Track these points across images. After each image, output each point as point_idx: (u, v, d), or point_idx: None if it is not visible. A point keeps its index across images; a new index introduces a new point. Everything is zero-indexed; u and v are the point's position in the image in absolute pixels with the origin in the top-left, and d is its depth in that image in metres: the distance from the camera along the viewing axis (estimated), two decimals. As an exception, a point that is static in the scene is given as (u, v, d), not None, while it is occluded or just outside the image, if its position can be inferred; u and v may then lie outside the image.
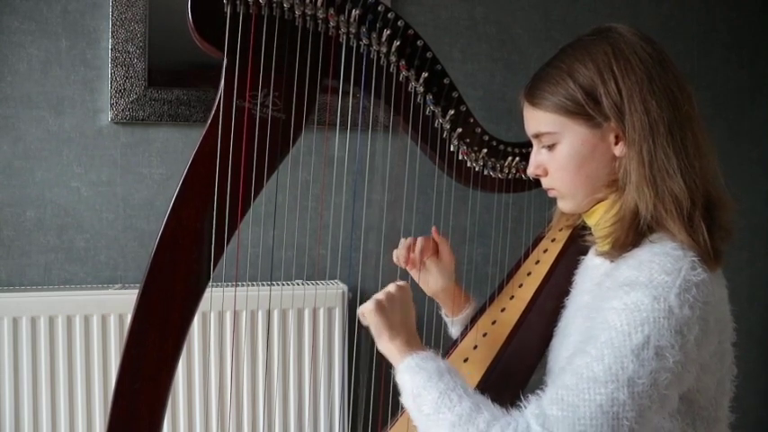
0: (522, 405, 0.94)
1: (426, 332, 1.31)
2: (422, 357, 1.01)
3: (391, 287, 1.09)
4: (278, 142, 1.02)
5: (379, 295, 1.07)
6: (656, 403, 0.90)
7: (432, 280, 1.31)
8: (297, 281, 2.00)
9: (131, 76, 1.90)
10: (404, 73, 1.11)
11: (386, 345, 1.05)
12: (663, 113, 0.99)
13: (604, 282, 1.02)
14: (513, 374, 1.12)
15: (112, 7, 1.88)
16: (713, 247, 0.98)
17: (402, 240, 1.28)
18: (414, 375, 0.99)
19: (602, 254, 1.06)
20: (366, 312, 1.06)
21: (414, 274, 1.30)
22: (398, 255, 1.27)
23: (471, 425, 0.91)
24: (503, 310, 1.25)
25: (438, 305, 1.38)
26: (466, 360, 1.19)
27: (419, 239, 1.28)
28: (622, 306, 0.93)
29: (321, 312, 1.90)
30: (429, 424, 0.95)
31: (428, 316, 1.32)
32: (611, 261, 1.04)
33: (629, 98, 1.00)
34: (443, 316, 1.38)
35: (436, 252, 1.30)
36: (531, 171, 1.12)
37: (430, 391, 0.96)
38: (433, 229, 1.29)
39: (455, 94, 1.16)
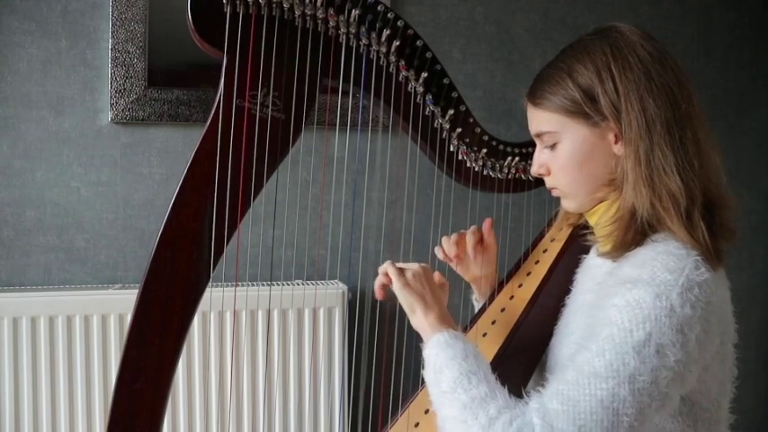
0: (525, 400, 0.94)
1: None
2: (452, 336, 1.01)
3: (416, 266, 1.09)
4: (278, 142, 1.02)
5: (408, 273, 1.07)
6: (657, 401, 0.90)
7: (475, 267, 1.31)
8: (297, 281, 2.00)
9: (131, 76, 1.90)
10: (403, 73, 1.11)
11: (420, 320, 1.05)
12: (660, 112, 0.99)
13: (607, 280, 1.02)
14: (513, 374, 1.12)
15: (112, 7, 1.88)
16: (714, 245, 0.98)
17: (446, 239, 1.28)
18: (440, 351, 1.00)
19: (603, 254, 1.06)
20: (398, 289, 1.07)
21: (454, 264, 1.30)
22: (449, 252, 1.27)
23: (482, 409, 0.92)
24: (503, 309, 1.25)
25: (468, 291, 1.37)
26: (466, 360, 1.19)
27: (469, 234, 1.27)
28: (624, 303, 0.93)
29: (321, 312, 1.90)
30: (443, 401, 0.96)
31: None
32: (614, 261, 1.04)
33: (625, 97, 1.00)
34: (474, 301, 1.38)
35: (481, 241, 1.30)
36: (535, 170, 1.13)
37: (452, 369, 0.97)
38: (489, 222, 1.29)
39: (454, 94, 1.15)
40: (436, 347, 1.00)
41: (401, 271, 1.08)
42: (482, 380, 0.95)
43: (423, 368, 1.02)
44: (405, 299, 1.07)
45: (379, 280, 1.11)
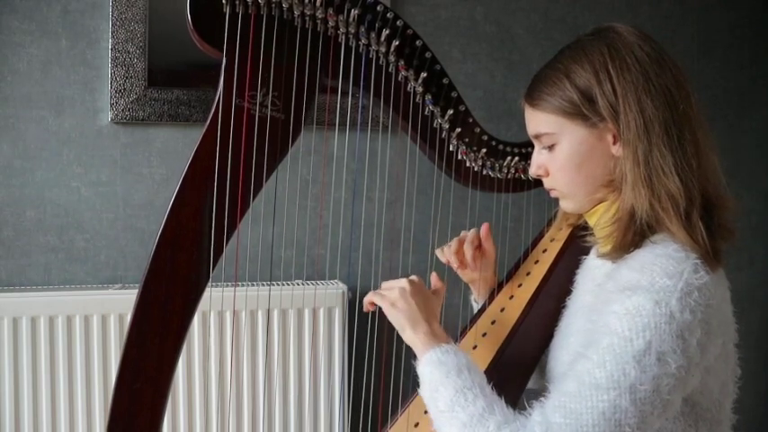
0: (527, 412, 0.94)
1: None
2: (443, 351, 1.00)
3: (402, 282, 1.07)
4: (277, 142, 1.02)
5: (393, 294, 1.06)
6: (659, 409, 0.91)
7: (474, 271, 1.30)
8: (297, 281, 2.00)
9: (131, 76, 1.90)
10: (403, 73, 1.11)
11: (410, 337, 1.04)
12: (658, 113, 0.99)
13: (606, 283, 1.02)
14: (513, 374, 1.12)
15: (112, 7, 1.89)
16: (712, 246, 0.97)
17: (447, 248, 1.27)
18: (433, 369, 0.99)
19: (603, 255, 1.06)
20: (385, 312, 1.06)
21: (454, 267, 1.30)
22: (450, 260, 1.27)
23: (482, 426, 0.92)
24: (502, 309, 1.25)
25: (468, 291, 1.38)
26: (465, 360, 1.19)
27: (467, 243, 1.27)
28: (624, 311, 0.93)
29: (321, 312, 1.90)
30: (443, 420, 0.96)
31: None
32: (613, 262, 1.04)
33: (623, 98, 1.00)
34: (473, 301, 1.38)
35: (479, 246, 1.29)
36: (533, 171, 1.13)
37: (447, 387, 0.96)
38: (486, 227, 1.28)
39: (454, 94, 1.15)
40: (429, 365, 1.00)
41: (383, 294, 1.07)
42: (478, 395, 0.95)
43: (418, 386, 1.02)
44: (392, 319, 1.06)
45: (366, 308, 1.11)
